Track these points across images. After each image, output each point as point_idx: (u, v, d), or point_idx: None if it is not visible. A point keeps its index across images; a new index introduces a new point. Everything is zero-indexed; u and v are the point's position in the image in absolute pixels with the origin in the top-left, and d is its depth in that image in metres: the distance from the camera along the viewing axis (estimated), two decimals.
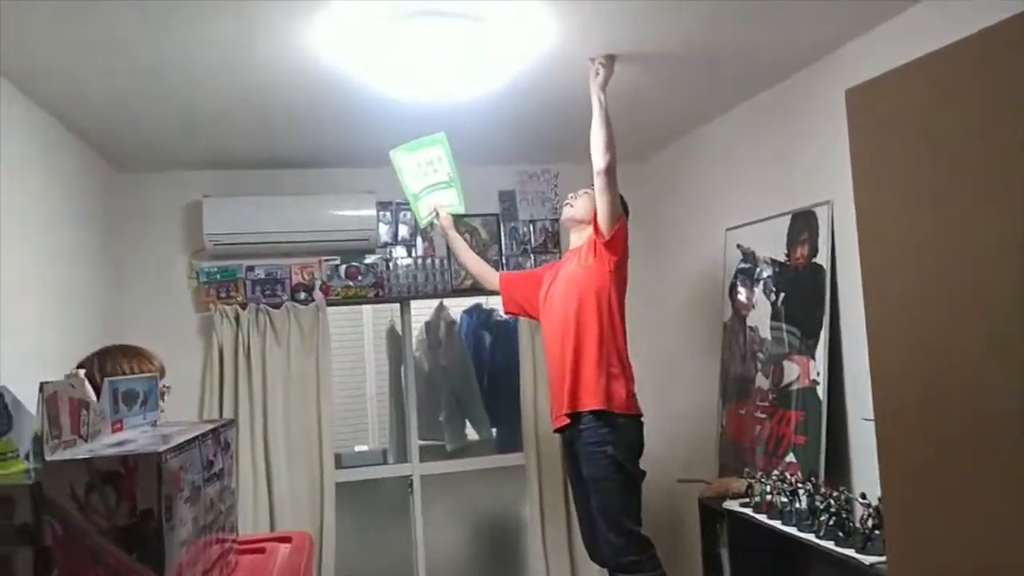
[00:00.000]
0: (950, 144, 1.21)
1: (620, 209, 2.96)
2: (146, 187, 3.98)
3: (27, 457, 0.98)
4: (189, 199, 3.97)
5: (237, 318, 3.92)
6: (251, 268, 4.01)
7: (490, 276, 3.53)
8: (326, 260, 4.11)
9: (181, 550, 0.89)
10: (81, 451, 0.90)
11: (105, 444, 0.93)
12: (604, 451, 2.83)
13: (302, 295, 4.05)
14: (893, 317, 1.42)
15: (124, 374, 1.79)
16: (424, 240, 4.27)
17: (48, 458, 0.85)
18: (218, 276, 3.99)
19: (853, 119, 1.34)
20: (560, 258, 3.77)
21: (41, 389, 0.96)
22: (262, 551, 1.28)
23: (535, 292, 3.28)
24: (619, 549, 2.84)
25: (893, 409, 1.47)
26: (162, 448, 0.86)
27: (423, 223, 3.49)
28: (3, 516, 0.80)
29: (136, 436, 1.01)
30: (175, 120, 3.21)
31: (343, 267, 4.12)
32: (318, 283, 4.08)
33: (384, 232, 4.18)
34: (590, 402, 2.86)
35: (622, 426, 2.87)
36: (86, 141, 3.39)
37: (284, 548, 1.30)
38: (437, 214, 3.39)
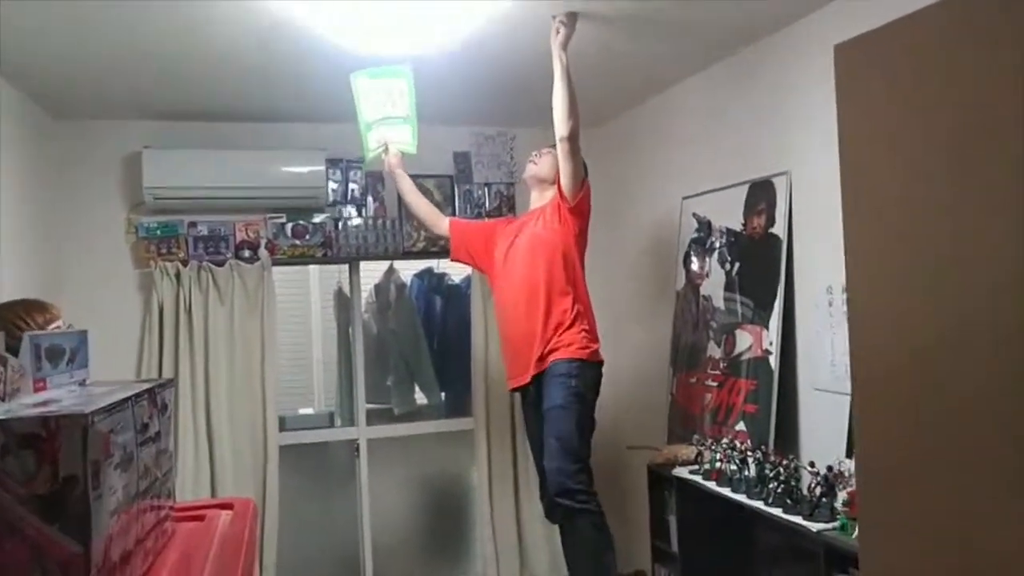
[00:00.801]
0: (948, 106, 1.17)
1: (583, 174, 2.96)
2: (84, 135, 3.78)
3: None
4: (129, 150, 3.79)
5: (178, 275, 3.77)
6: (193, 224, 3.85)
7: (438, 220, 3.48)
8: (272, 218, 3.97)
9: (110, 520, 0.81)
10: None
11: (25, 404, 0.85)
12: (569, 383, 2.88)
13: (247, 253, 3.91)
14: (876, 288, 1.40)
15: (37, 327, 1.67)
16: (375, 200, 4.16)
17: None
18: (158, 232, 3.82)
19: (841, 76, 1.29)
20: (516, 217, 3.70)
21: (15, 327, 0.87)
22: (201, 519, 1.21)
23: (487, 245, 3.27)
24: (570, 475, 2.83)
25: (871, 381, 1.45)
26: (89, 409, 0.78)
27: (369, 155, 3.33)
28: None
29: (61, 396, 0.92)
30: (116, 66, 3.04)
31: (290, 225, 3.99)
32: (264, 241, 3.94)
33: (334, 190, 4.05)
34: (558, 355, 2.92)
35: (587, 367, 2.93)
36: (18, 86, 3.19)
37: (225, 515, 1.23)
38: (387, 149, 3.28)
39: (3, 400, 0.86)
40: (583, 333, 2.94)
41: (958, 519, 1.29)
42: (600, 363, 2.99)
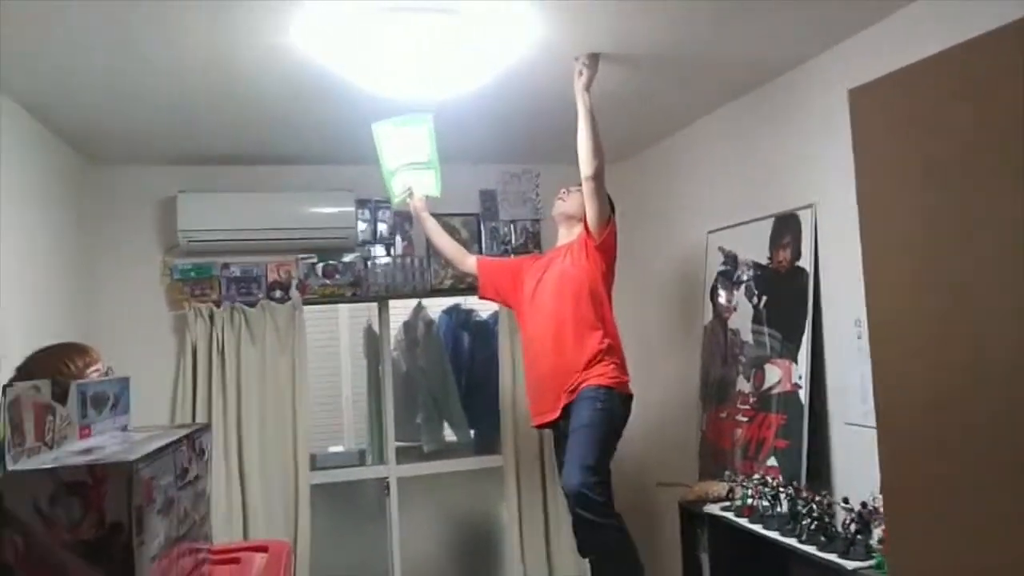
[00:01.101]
0: (956, 147, 1.19)
1: (609, 212, 3.02)
2: (120, 180, 3.89)
3: None
4: (164, 194, 3.88)
5: (211, 316, 3.85)
6: (226, 266, 3.93)
7: (465, 259, 3.53)
8: (303, 258, 4.04)
9: (152, 564, 0.84)
10: (46, 459, 0.84)
11: (72, 451, 0.88)
12: (595, 405, 2.89)
13: (278, 293, 3.98)
14: (895, 323, 1.40)
15: (78, 371, 1.72)
16: (403, 239, 4.22)
17: (10, 468, 0.80)
18: (192, 273, 3.91)
19: (857, 119, 1.32)
20: (543, 254, 3.72)
21: (3, 393, 0.90)
22: (237, 561, 1.23)
23: (514, 282, 3.31)
24: (591, 487, 2.78)
25: (894, 413, 1.45)
26: (133, 456, 0.81)
27: (395, 201, 3.43)
28: None
29: (106, 442, 0.96)
30: (150, 114, 3.14)
31: (320, 265, 4.06)
32: (295, 281, 4.01)
33: (363, 230, 4.12)
34: (593, 382, 2.93)
35: (616, 395, 2.94)
36: (57, 133, 3.30)
37: (260, 558, 1.25)
38: (411, 193, 3.35)
39: (50, 448, 0.90)
40: (613, 366, 2.96)
41: (985, 546, 1.28)
42: (630, 396, 3.01)
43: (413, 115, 3.10)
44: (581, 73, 2.75)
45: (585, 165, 2.87)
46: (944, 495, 1.37)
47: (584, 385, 2.93)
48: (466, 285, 4.23)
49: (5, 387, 0.92)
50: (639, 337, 4.14)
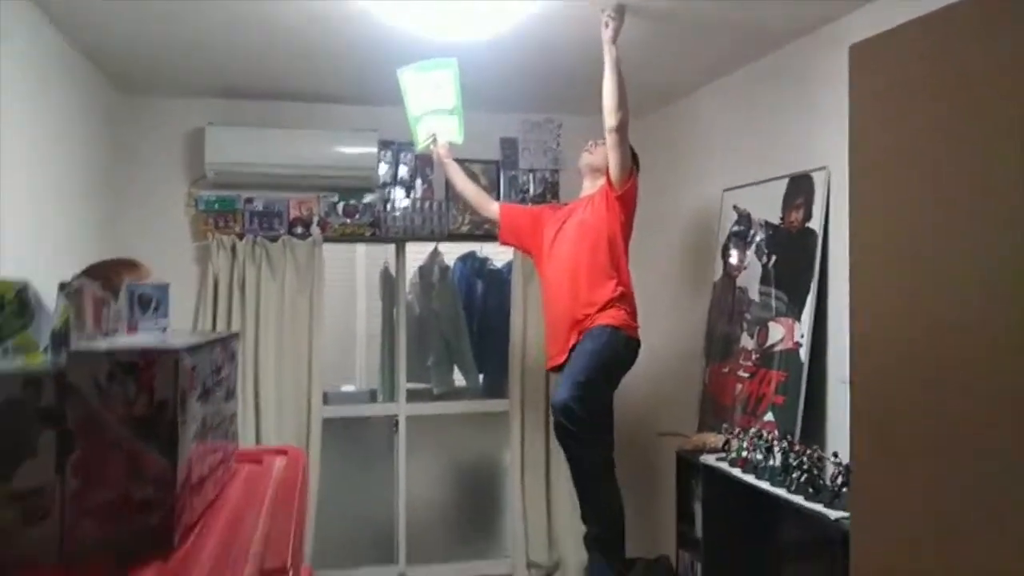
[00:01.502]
0: (953, 105, 1.23)
1: (631, 164, 3.07)
2: (149, 111, 3.97)
3: (45, 351, 1.03)
4: (192, 126, 3.96)
5: (234, 248, 3.95)
6: (250, 200, 4.02)
7: (487, 204, 3.60)
8: (325, 196, 4.12)
9: (191, 444, 0.94)
10: (103, 344, 0.94)
11: (123, 341, 0.98)
12: (601, 339, 2.99)
13: (299, 230, 4.07)
14: (877, 280, 1.47)
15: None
16: (424, 182, 4.29)
17: (73, 348, 0.90)
18: (216, 205, 4.00)
19: (855, 76, 1.36)
20: (564, 204, 3.77)
21: (63, 286, 1.00)
22: (260, 462, 1.34)
23: (534, 229, 3.38)
24: (574, 399, 2.88)
25: (869, 372, 1.53)
26: (179, 346, 0.90)
27: (419, 147, 3.50)
28: (30, 398, 0.84)
29: (150, 338, 1.05)
30: (183, 43, 3.20)
31: (341, 204, 4.14)
32: (316, 219, 4.10)
33: (384, 171, 4.19)
34: (600, 321, 3.02)
35: (622, 335, 3.03)
36: (94, 61, 3.37)
37: (280, 460, 1.36)
38: (435, 140, 3.42)
39: (105, 337, 1.00)
40: (624, 312, 3.05)
41: (948, 500, 1.35)
42: (637, 341, 3.09)
43: (438, 61, 3.14)
44: (607, 25, 2.78)
45: (609, 116, 2.93)
46: (908, 445, 1.44)
47: (592, 325, 3.02)
48: (483, 231, 4.32)
49: (66, 281, 1.02)
50: (650, 290, 4.21)
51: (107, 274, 1.91)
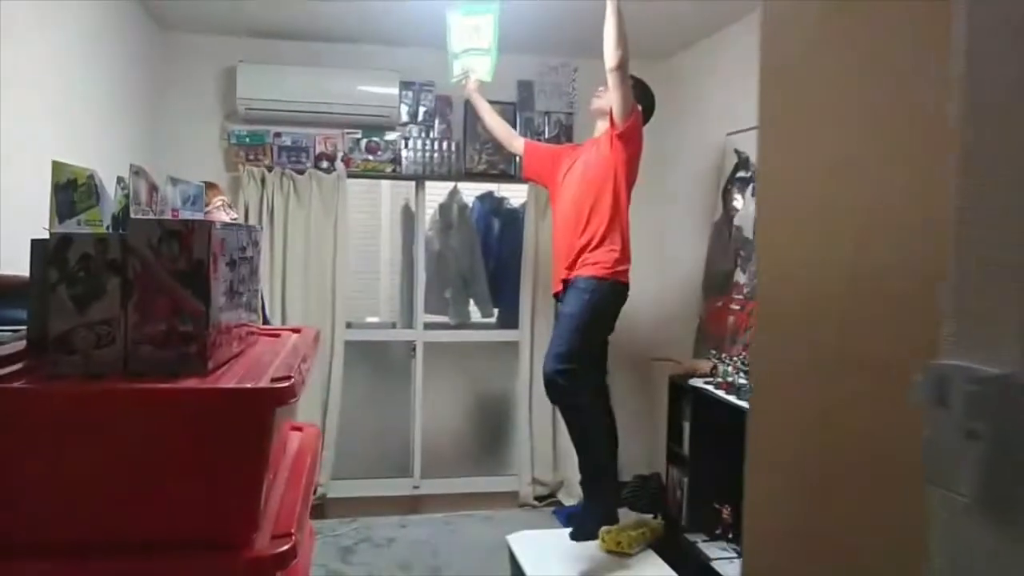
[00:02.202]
0: (858, 55, 1.38)
1: (632, 103, 3.18)
2: (187, 48, 4.22)
3: (107, 228, 1.30)
4: (226, 64, 4.21)
5: (263, 180, 4.22)
6: (278, 134, 4.28)
7: (513, 140, 3.78)
8: (348, 133, 4.36)
9: (221, 298, 1.21)
10: (152, 217, 1.21)
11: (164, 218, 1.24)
12: (583, 296, 3.14)
13: (324, 164, 4.33)
14: (784, 224, 1.64)
15: (206, 200, 2.12)
16: (442, 122, 4.51)
17: (132, 216, 1.16)
18: (247, 139, 4.26)
19: (766, 40, 1.51)
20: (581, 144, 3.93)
21: (120, 179, 1.27)
22: (277, 335, 1.61)
23: (553, 167, 3.55)
24: (559, 372, 3.07)
25: (773, 310, 1.71)
26: (212, 220, 1.17)
27: (452, 81, 3.66)
28: (99, 252, 1.11)
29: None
30: None
31: (364, 141, 4.38)
32: (340, 154, 4.35)
33: (405, 111, 4.42)
34: (588, 271, 3.18)
35: (607, 285, 3.17)
36: None
37: (295, 336, 1.63)
38: (467, 76, 3.59)
39: (155, 214, 1.26)
40: (611, 252, 3.18)
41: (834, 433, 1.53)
42: (623, 284, 3.22)
43: (483, 4, 3.35)
44: None
45: (608, 56, 3.05)
46: (805, 382, 1.62)
47: (578, 272, 3.18)
48: (498, 171, 4.55)
49: (120, 177, 1.28)
50: (655, 227, 4.43)
51: None
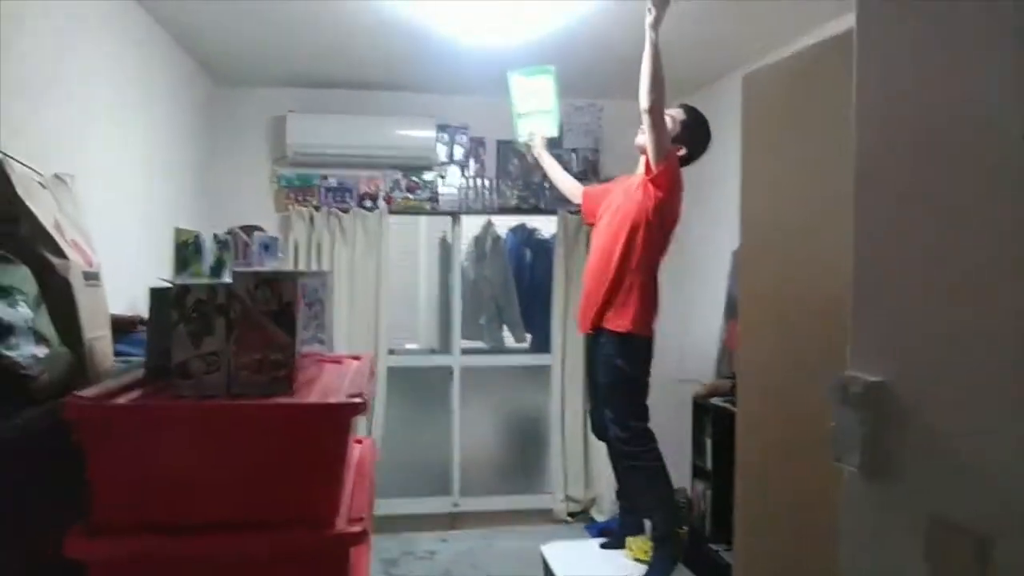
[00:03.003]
0: (823, 123, 1.64)
1: (667, 147, 3.12)
2: (240, 99, 4.60)
3: (207, 276, 1.60)
4: (275, 112, 4.58)
5: (311, 219, 4.56)
6: (325, 177, 4.63)
7: (576, 193, 3.74)
8: (389, 173, 4.70)
9: (301, 331, 1.50)
10: (250, 268, 1.50)
11: (260, 269, 1.54)
12: (613, 362, 3.21)
13: (367, 203, 4.66)
14: (761, 251, 1.90)
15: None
16: (476, 161, 4.82)
17: (234, 269, 1.46)
18: (296, 182, 4.62)
19: (747, 100, 1.77)
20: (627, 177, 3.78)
21: (216, 236, 1.57)
22: (340, 363, 1.90)
23: (599, 206, 3.58)
24: (624, 440, 3.27)
25: (753, 316, 1.97)
26: (296, 270, 1.46)
27: (520, 140, 3.72)
28: (210, 298, 1.40)
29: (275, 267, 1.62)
30: (272, 44, 3.78)
31: (404, 180, 4.71)
32: (382, 193, 4.68)
33: (441, 152, 4.75)
34: (612, 325, 3.23)
35: (634, 344, 3.22)
36: (193, 56, 3.99)
37: (355, 362, 1.91)
38: (533, 137, 3.68)
39: (251, 266, 1.57)
40: (636, 307, 3.18)
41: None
42: (647, 338, 3.23)
43: (541, 68, 3.54)
44: (650, 11, 2.88)
45: (643, 98, 2.97)
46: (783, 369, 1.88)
47: (604, 324, 3.23)
48: (529, 205, 4.86)
49: (216, 235, 1.59)
50: (677, 255, 4.65)
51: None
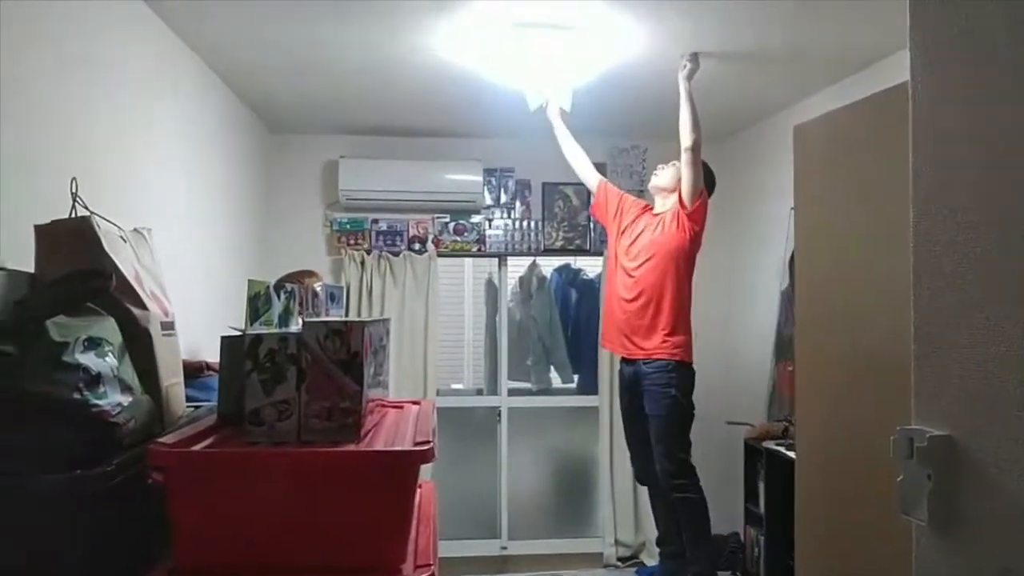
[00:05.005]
0: (870, 171, 1.69)
1: (702, 183, 3.41)
2: (293, 147, 4.75)
3: (276, 326, 1.67)
4: (328, 158, 4.72)
5: (363, 262, 4.66)
6: (376, 220, 4.74)
7: (589, 173, 3.88)
8: (438, 217, 4.80)
9: (369, 379, 1.55)
10: (319, 319, 1.57)
11: (327, 319, 1.60)
12: (668, 392, 3.38)
13: (417, 246, 4.76)
14: (815, 308, 1.94)
15: (310, 283, 2.53)
16: (522, 204, 4.90)
17: (305, 320, 1.52)
18: (348, 226, 4.73)
19: (798, 151, 1.82)
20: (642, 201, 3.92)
21: (279, 287, 1.64)
22: (401, 407, 1.95)
23: (616, 214, 3.75)
24: (671, 473, 3.40)
25: (810, 352, 1.99)
26: (364, 320, 1.51)
27: (532, 109, 3.53)
28: (281, 347, 1.47)
29: (340, 317, 1.68)
30: (324, 93, 3.92)
31: (452, 224, 4.81)
32: (430, 236, 4.78)
33: (488, 196, 4.83)
34: (659, 354, 3.41)
35: (681, 373, 3.42)
36: (251, 107, 4.15)
37: (416, 407, 1.96)
38: (547, 102, 3.58)
39: (317, 315, 1.63)
40: (680, 337, 3.41)
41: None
42: (690, 363, 3.44)
43: None
44: (685, 67, 3.24)
45: (684, 137, 3.29)
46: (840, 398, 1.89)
47: (653, 355, 3.42)
48: (574, 247, 4.90)
49: (279, 285, 1.66)
50: (726, 299, 4.67)
51: (300, 278, 2.64)
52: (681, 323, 3.43)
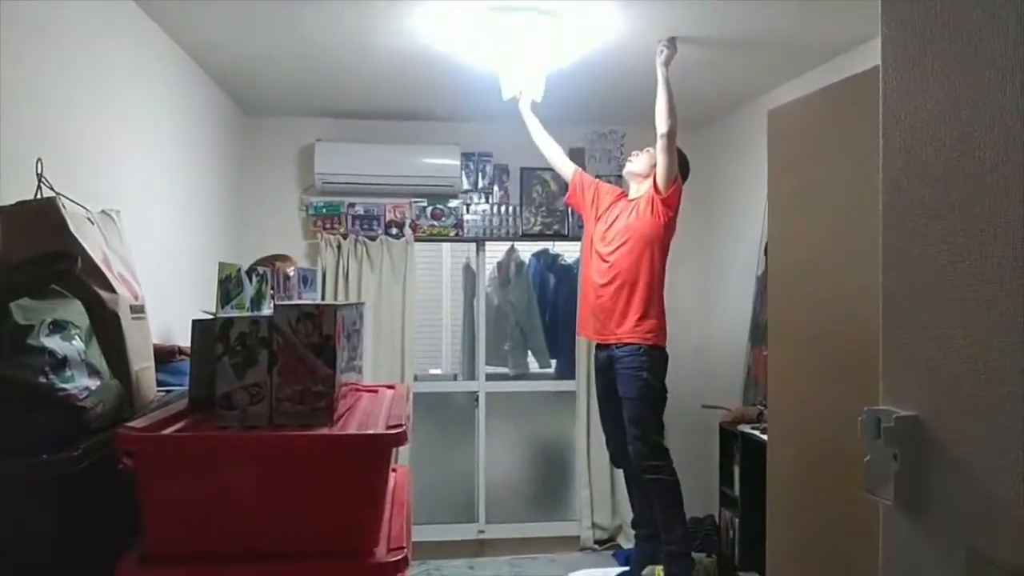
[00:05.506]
0: (844, 156, 1.69)
1: (677, 169, 3.44)
2: (269, 130, 4.70)
3: (248, 310, 1.65)
4: (304, 142, 4.67)
5: (339, 246, 4.63)
6: (352, 205, 4.70)
7: (562, 162, 3.95)
8: (415, 202, 4.77)
9: (341, 363, 1.54)
10: (291, 302, 1.55)
11: (300, 302, 1.59)
12: (640, 375, 3.41)
13: (394, 231, 4.73)
14: (788, 289, 1.95)
15: (283, 268, 2.51)
16: (500, 188, 4.88)
17: (276, 303, 1.51)
18: (324, 210, 4.69)
19: (772, 135, 1.83)
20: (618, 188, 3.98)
21: (251, 271, 1.62)
22: (375, 392, 1.94)
23: (593, 202, 3.79)
24: (644, 455, 3.43)
25: (778, 347, 2.01)
26: (336, 303, 1.50)
27: (505, 98, 3.57)
28: (253, 330, 1.45)
29: (312, 301, 1.66)
30: (299, 76, 3.87)
31: (429, 208, 4.78)
32: (408, 221, 4.75)
33: (466, 180, 4.81)
34: (631, 338, 3.45)
35: (654, 356, 3.45)
36: (222, 87, 4.08)
37: (390, 391, 1.95)
38: (521, 93, 3.63)
39: (290, 299, 1.61)
40: (652, 322, 3.45)
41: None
42: (663, 347, 3.48)
43: None
44: (661, 52, 3.25)
45: (660, 124, 3.31)
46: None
47: (626, 339, 3.45)
48: (552, 231, 4.89)
49: (251, 269, 1.64)
50: (704, 284, 4.69)
51: (273, 261, 2.60)
52: (654, 308, 3.47)
